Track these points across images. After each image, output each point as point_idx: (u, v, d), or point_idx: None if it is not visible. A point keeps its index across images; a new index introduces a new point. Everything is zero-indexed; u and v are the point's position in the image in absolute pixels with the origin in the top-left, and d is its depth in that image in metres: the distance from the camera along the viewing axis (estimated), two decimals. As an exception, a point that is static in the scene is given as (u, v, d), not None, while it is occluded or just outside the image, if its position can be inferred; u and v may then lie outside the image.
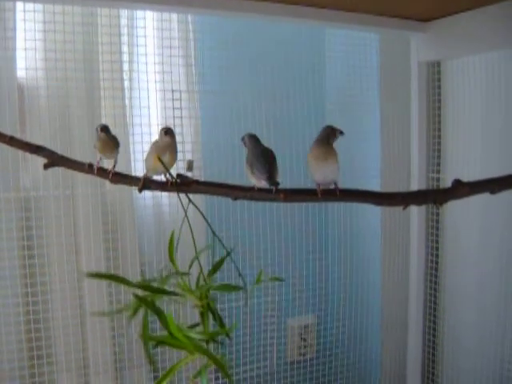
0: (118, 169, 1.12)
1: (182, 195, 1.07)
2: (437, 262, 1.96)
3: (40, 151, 1.10)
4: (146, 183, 1.09)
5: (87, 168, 1.11)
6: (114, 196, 1.75)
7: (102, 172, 1.11)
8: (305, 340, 2.16)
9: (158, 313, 0.83)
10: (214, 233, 1.08)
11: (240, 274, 1.09)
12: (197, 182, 1.08)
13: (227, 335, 0.93)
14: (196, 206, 1.08)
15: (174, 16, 1.76)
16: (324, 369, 2.09)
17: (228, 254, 1.07)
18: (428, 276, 1.95)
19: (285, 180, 1.83)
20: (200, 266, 1.02)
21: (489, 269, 1.77)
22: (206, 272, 1.05)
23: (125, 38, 1.75)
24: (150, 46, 1.74)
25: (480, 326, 1.80)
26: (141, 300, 0.85)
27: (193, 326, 0.96)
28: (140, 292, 0.93)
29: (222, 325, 0.98)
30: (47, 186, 1.63)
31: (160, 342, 0.80)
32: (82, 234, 1.69)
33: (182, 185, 1.07)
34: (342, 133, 1.07)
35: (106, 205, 1.74)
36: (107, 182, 1.13)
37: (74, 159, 1.12)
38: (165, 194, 1.72)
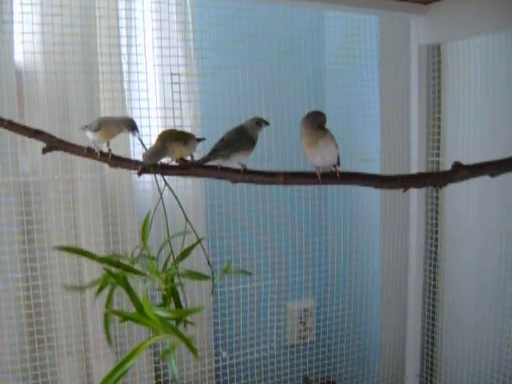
0: (118, 153, 1.12)
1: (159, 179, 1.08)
2: (436, 246, 1.97)
3: (38, 135, 1.09)
4: (145, 167, 1.09)
5: (86, 152, 1.11)
6: (114, 180, 1.74)
7: (102, 156, 1.11)
8: (304, 323, 2.17)
9: (129, 289, 0.83)
10: (186, 219, 1.09)
11: (209, 263, 1.11)
12: (196, 166, 1.08)
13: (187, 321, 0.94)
14: (172, 190, 1.09)
15: (173, -2, 1.75)
16: (323, 352, 2.10)
17: (198, 241, 1.08)
18: (427, 259, 1.96)
19: (284, 160, 1.85)
20: (171, 250, 1.03)
21: (487, 251, 1.78)
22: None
23: (123, 22, 1.74)
24: (148, 29, 1.73)
25: (479, 309, 1.81)
26: (112, 275, 0.86)
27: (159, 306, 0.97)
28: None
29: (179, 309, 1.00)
30: (46, 170, 1.63)
31: (127, 318, 0.81)
32: (81, 218, 1.69)
33: (181, 168, 1.07)
34: (323, 115, 1.05)
35: (105, 189, 1.74)
36: (106, 167, 1.13)
37: (73, 143, 1.11)
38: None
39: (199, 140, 1.16)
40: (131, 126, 1.12)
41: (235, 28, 1.80)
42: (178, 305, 1.00)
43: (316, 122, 1.04)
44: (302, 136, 1.05)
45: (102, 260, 0.96)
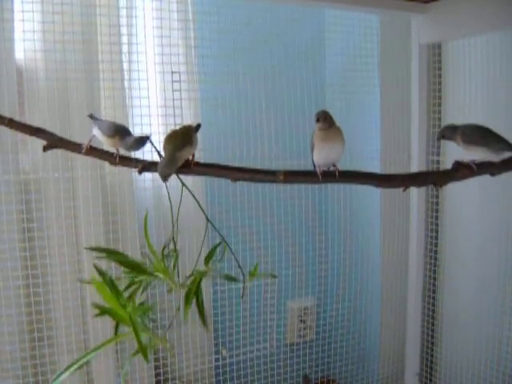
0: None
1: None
2: (436, 245, 1.97)
3: (39, 133, 1.09)
4: (146, 165, 1.09)
5: (85, 150, 1.11)
6: (114, 178, 1.74)
7: (105, 154, 1.11)
8: (304, 322, 2.18)
9: (112, 287, 0.85)
10: (207, 219, 1.09)
11: (240, 267, 1.10)
12: (197, 164, 1.08)
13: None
14: (189, 190, 1.08)
15: (174, -3, 1.74)
16: (323, 350, 2.10)
17: (223, 240, 1.08)
18: (427, 258, 1.96)
19: (284, 161, 1.85)
20: (175, 250, 1.03)
21: (487, 249, 1.78)
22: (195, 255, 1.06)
23: (123, 20, 1.73)
24: (149, 27, 1.73)
25: (478, 308, 1.81)
26: (100, 272, 0.87)
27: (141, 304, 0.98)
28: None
29: (201, 311, 1.01)
30: (47, 168, 1.63)
31: (103, 312, 0.83)
32: (81, 216, 1.69)
33: (181, 167, 1.07)
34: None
35: (105, 187, 1.74)
36: (107, 165, 1.13)
37: (74, 141, 1.12)
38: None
39: (197, 129, 1.15)
40: (138, 146, 1.11)
41: (236, 26, 1.80)
42: (201, 304, 1.01)
43: (332, 121, 1.07)
44: (320, 126, 1.06)
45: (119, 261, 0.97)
